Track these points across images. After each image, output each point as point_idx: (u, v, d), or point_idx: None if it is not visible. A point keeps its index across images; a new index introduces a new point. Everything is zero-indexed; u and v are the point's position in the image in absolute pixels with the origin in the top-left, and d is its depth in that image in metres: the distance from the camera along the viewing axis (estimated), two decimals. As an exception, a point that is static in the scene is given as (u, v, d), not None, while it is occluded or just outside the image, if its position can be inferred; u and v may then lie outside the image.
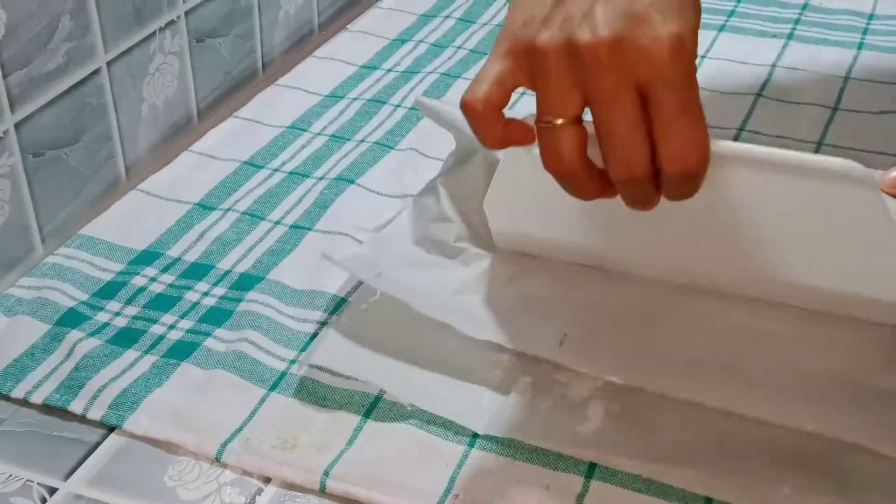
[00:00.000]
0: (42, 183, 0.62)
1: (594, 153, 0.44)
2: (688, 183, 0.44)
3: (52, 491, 0.48)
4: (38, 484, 0.48)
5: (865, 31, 0.84)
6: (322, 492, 0.47)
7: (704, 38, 0.83)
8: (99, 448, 0.50)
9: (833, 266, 0.51)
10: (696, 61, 0.43)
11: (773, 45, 0.82)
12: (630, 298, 0.56)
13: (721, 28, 0.85)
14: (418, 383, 0.52)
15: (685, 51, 0.42)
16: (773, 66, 0.80)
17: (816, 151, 0.70)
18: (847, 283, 0.52)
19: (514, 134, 0.46)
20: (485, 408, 0.51)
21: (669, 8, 0.42)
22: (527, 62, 0.44)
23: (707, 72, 0.79)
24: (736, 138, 0.71)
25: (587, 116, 0.44)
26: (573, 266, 0.58)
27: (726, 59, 0.81)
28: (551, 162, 0.44)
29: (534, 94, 0.44)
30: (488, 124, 0.45)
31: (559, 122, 0.43)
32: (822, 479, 0.47)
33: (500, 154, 0.54)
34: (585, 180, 0.45)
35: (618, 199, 0.45)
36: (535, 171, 0.45)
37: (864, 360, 0.52)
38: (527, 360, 0.53)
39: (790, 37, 0.84)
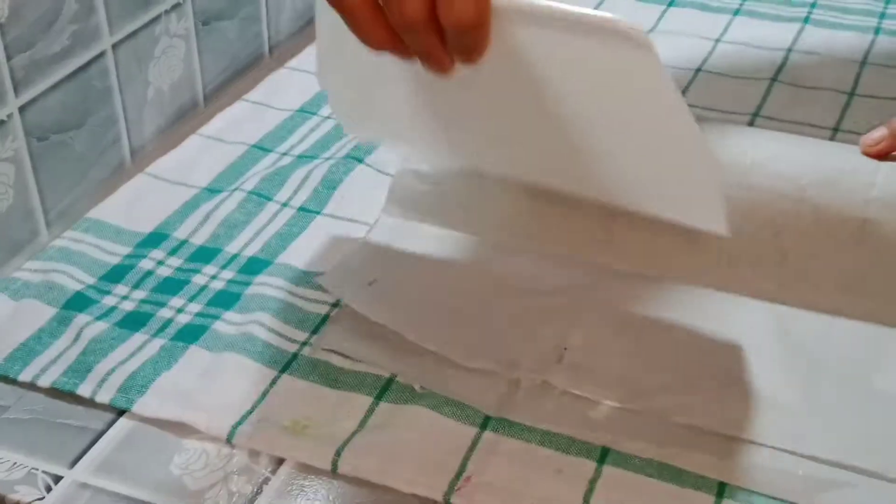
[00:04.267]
0: (47, 167, 0.61)
1: None
2: (467, 37, 0.43)
3: (58, 479, 0.47)
4: (43, 472, 0.47)
5: (882, 16, 0.83)
6: (334, 472, 0.47)
7: (719, 21, 0.82)
8: (105, 436, 0.49)
9: (623, 137, 0.49)
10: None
11: (788, 29, 0.81)
12: (639, 304, 0.54)
13: (736, 12, 0.84)
14: (429, 366, 0.51)
15: None
16: (789, 50, 0.78)
17: (833, 137, 0.69)
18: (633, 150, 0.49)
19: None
20: (497, 391, 0.50)
21: None
22: None
23: (721, 55, 0.78)
24: (751, 123, 0.70)
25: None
26: (576, 270, 0.56)
27: (741, 44, 0.79)
28: None
29: None
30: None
31: None
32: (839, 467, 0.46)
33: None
34: (369, 21, 0.44)
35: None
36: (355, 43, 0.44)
37: None
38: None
39: (806, 20, 0.82)
